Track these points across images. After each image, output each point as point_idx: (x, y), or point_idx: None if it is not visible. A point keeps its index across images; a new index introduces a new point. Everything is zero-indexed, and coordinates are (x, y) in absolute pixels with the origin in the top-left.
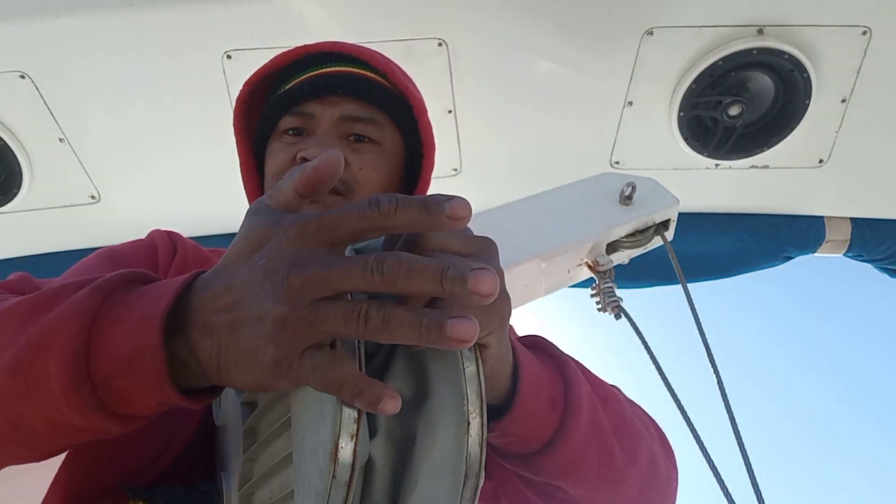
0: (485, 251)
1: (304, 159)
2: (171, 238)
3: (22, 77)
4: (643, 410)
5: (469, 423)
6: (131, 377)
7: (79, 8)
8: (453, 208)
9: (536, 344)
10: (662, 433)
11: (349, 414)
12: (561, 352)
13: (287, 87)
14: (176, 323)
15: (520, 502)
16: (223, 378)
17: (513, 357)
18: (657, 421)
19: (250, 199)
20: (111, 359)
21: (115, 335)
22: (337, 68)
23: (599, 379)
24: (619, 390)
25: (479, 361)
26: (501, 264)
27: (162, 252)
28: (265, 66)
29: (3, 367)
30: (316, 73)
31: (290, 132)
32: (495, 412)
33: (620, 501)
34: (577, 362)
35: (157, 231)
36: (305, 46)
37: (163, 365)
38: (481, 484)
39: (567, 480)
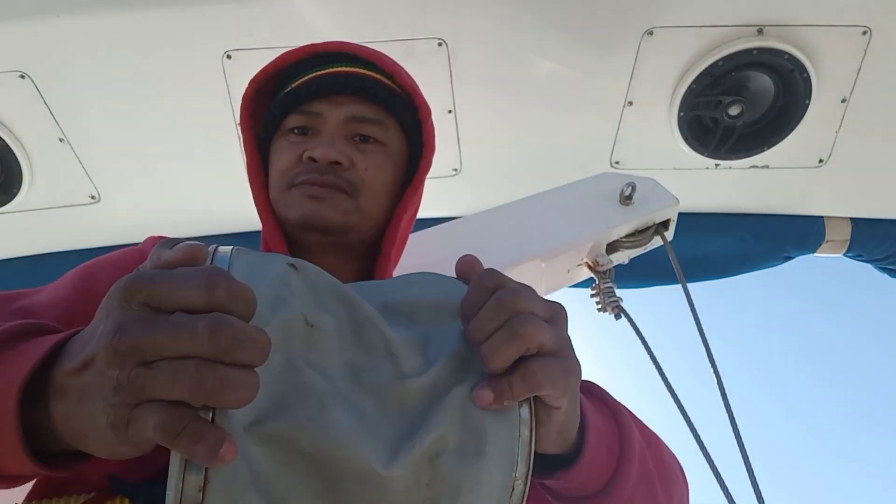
0: (557, 318)
1: (311, 159)
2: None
3: (22, 77)
4: (666, 445)
5: (513, 489)
6: None
7: (79, 8)
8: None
9: (591, 391)
10: (681, 467)
11: (192, 484)
12: (614, 399)
13: (294, 85)
14: (44, 385)
15: None
16: (81, 444)
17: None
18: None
19: (255, 197)
20: None
21: None
22: (344, 68)
23: (643, 423)
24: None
25: (534, 427)
26: (501, 264)
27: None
28: (271, 63)
29: None
30: (323, 72)
31: (296, 131)
32: (563, 462)
33: None
34: (626, 409)
35: (151, 238)
36: (312, 46)
37: (16, 435)
38: None
39: None
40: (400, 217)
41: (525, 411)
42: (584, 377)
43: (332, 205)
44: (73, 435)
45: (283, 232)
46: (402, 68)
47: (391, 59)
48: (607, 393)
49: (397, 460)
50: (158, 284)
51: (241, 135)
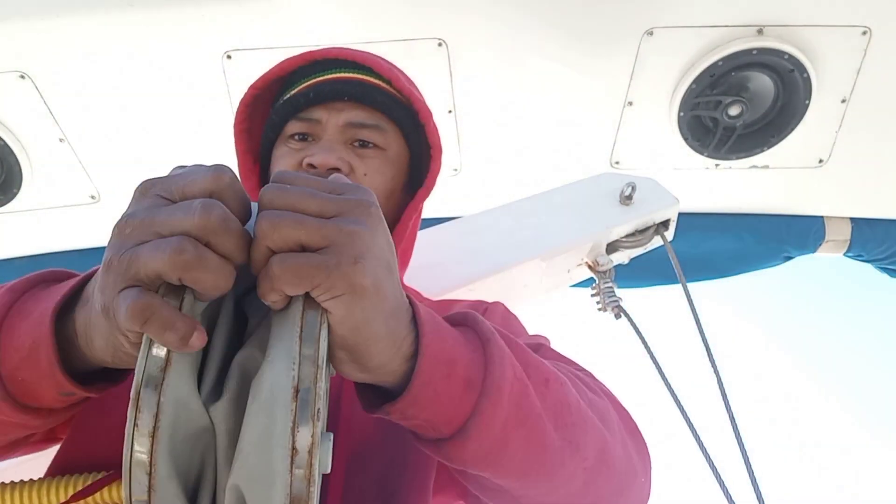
0: (351, 211)
1: (311, 165)
2: None
3: (22, 77)
4: (611, 400)
5: (297, 389)
6: (31, 367)
7: (79, 8)
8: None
9: (465, 320)
10: (633, 424)
11: (155, 357)
12: (490, 328)
13: (293, 92)
14: (76, 306)
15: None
16: (91, 349)
17: (414, 337)
18: (631, 412)
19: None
20: (14, 351)
21: (20, 329)
22: (342, 74)
23: (543, 362)
24: (583, 375)
25: (321, 326)
26: (502, 264)
27: None
28: (271, 70)
29: None
30: (321, 79)
31: (296, 137)
32: (393, 394)
33: (559, 494)
34: (511, 339)
35: None
36: (311, 52)
37: (52, 352)
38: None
39: (487, 470)
40: (409, 217)
41: (312, 314)
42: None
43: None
44: (87, 342)
45: None
46: (401, 73)
47: (389, 64)
48: (486, 322)
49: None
50: (171, 177)
51: (234, 137)
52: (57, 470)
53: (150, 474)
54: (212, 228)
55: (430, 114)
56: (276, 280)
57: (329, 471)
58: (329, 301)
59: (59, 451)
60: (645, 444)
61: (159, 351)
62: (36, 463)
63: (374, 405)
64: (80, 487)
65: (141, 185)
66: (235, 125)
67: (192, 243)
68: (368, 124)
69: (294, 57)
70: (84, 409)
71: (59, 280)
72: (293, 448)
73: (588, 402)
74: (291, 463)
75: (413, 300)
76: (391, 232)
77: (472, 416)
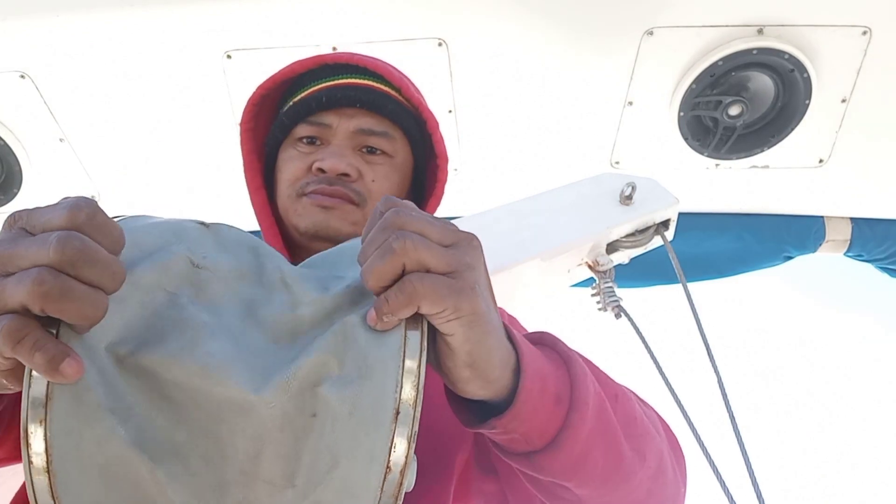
0: (458, 244)
1: (320, 170)
2: None
3: (22, 77)
4: (655, 412)
5: (398, 412)
6: None
7: (79, 8)
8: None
9: (543, 340)
10: (674, 436)
11: (37, 388)
12: (568, 348)
13: (304, 94)
14: None
15: (527, 502)
16: None
17: (514, 352)
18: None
19: (252, 198)
20: None
21: None
22: (353, 80)
23: (609, 377)
24: (630, 390)
25: (424, 349)
26: (502, 264)
27: None
28: (281, 72)
29: None
30: (333, 83)
31: (305, 141)
32: (495, 410)
33: (628, 501)
34: (585, 359)
35: None
36: (322, 56)
37: None
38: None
39: (572, 480)
40: None
41: (414, 334)
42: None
43: (341, 215)
44: None
45: (283, 236)
46: (410, 81)
47: (399, 72)
48: (562, 342)
49: (269, 385)
50: (35, 210)
51: (240, 136)
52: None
53: None
54: (69, 259)
55: (437, 124)
56: (416, 296)
57: (412, 489)
58: (452, 322)
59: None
60: (681, 449)
61: (39, 385)
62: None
63: (473, 423)
64: None
65: (9, 216)
66: (242, 124)
67: (52, 274)
68: (377, 131)
69: (305, 59)
70: None
71: None
72: (387, 466)
73: (644, 414)
74: (384, 480)
75: (506, 323)
76: None
77: (563, 429)
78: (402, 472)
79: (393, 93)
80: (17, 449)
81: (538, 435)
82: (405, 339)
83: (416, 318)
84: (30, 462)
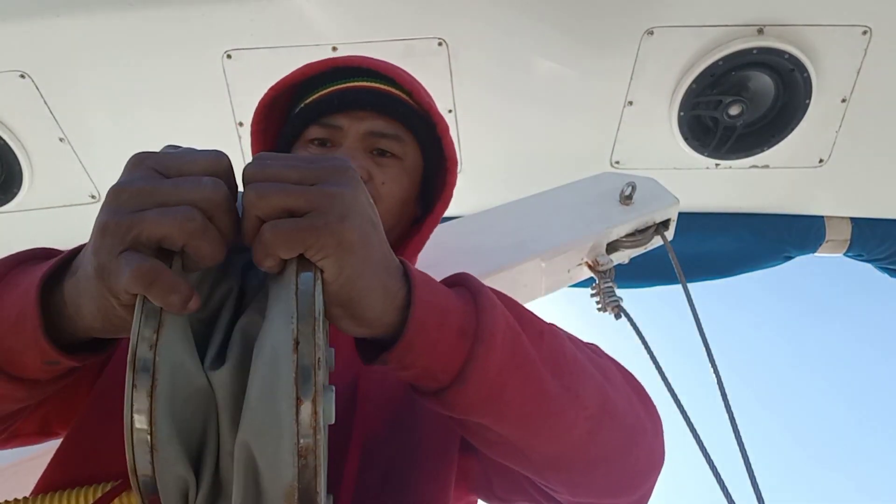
0: (322, 177)
1: None
2: None
3: (22, 77)
4: (612, 362)
5: (298, 342)
6: (16, 336)
7: (79, 8)
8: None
9: (456, 280)
10: (638, 384)
11: (151, 318)
12: (482, 286)
13: (316, 96)
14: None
15: (508, 478)
16: (80, 316)
17: (407, 290)
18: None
19: None
20: (1, 322)
21: (7, 300)
22: (365, 83)
23: (537, 316)
24: (581, 341)
25: (316, 281)
26: (501, 264)
27: None
28: (292, 74)
29: None
30: (344, 86)
31: (316, 142)
32: (389, 344)
33: (564, 443)
34: (504, 295)
35: None
36: (333, 59)
37: (37, 320)
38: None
39: (487, 416)
40: (430, 230)
41: (306, 275)
42: None
43: None
44: (76, 309)
45: None
46: (420, 85)
47: (410, 76)
48: (478, 281)
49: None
50: (167, 154)
51: (249, 137)
52: (57, 471)
53: (151, 434)
54: (216, 204)
55: (447, 127)
56: (270, 245)
57: (333, 421)
58: (321, 260)
59: (59, 452)
60: (652, 403)
61: (153, 313)
62: (33, 465)
63: (372, 358)
64: (91, 500)
65: (134, 156)
66: (253, 125)
67: (200, 214)
68: (388, 134)
69: (316, 62)
70: (87, 411)
71: (49, 257)
72: (297, 398)
73: (587, 358)
74: (297, 412)
75: (404, 259)
76: (406, 241)
77: (468, 362)
78: (315, 401)
79: (403, 96)
80: (40, 426)
81: (441, 370)
82: (296, 280)
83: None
84: (133, 385)
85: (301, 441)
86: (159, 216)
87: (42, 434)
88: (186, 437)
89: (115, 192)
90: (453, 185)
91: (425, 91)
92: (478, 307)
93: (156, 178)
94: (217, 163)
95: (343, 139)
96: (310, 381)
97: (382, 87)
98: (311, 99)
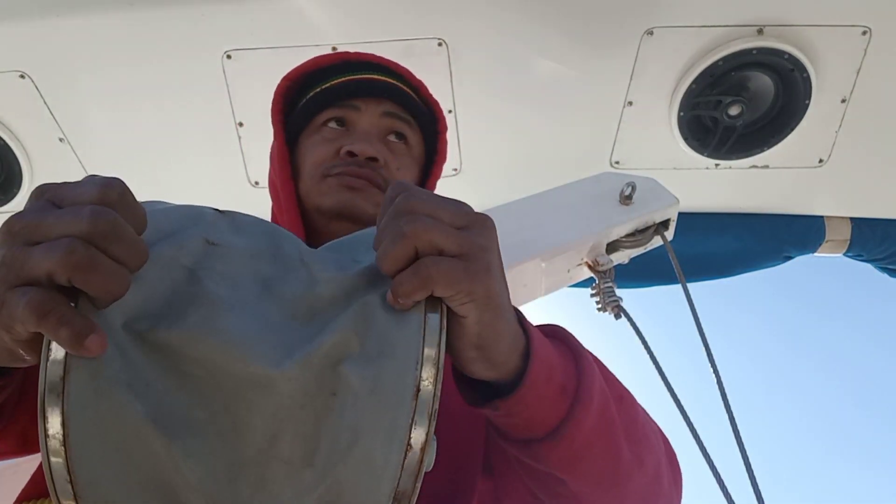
0: (472, 226)
1: (350, 153)
2: None
3: (22, 77)
4: (654, 422)
5: (419, 390)
6: None
7: (79, 8)
8: None
9: (555, 333)
10: (671, 448)
11: (54, 362)
12: (579, 343)
13: (333, 82)
14: None
15: (521, 500)
16: None
17: (525, 340)
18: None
19: (282, 187)
20: None
21: None
22: (377, 76)
23: (616, 378)
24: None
25: (443, 329)
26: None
27: None
28: (305, 64)
29: None
30: (359, 76)
31: (332, 123)
32: (501, 392)
33: (622, 502)
34: (595, 357)
35: None
36: (346, 53)
37: None
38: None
39: (570, 474)
40: None
41: (433, 317)
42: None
43: (367, 196)
44: None
45: (303, 222)
46: (424, 84)
47: (415, 75)
48: (573, 337)
49: (290, 360)
50: (63, 186)
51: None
52: (31, 485)
53: (71, 482)
54: (101, 233)
55: (446, 127)
56: (430, 280)
57: (431, 468)
58: (466, 305)
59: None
60: (679, 468)
61: (58, 355)
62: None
63: (478, 402)
64: None
65: (36, 188)
66: (273, 115)
67: (84, 245)
68: (403, 118)
69: (327, 55)
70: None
71: None
72: (408, 444)
73: (646, 422)
74: (404, 457)
75: (516, 307)
76: None
77: (566, 420)
78: (423, 450)
79: (411, 92)
80: (19, 442)
81: (540, 423)
82: (424, 319)
83: (434, 299)
84: (46, 436)
85: (400, 486)
86: (45, 251)
87: (24, 450)
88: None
89: (8, 223)
90: (437, 177)
91: (428, 90)
92: (578, 367)
93: (47, 209)
94: (105, 191)
95: (359, 119)
96: (423, 429)
97: (393, 80)
98: (326, 85)
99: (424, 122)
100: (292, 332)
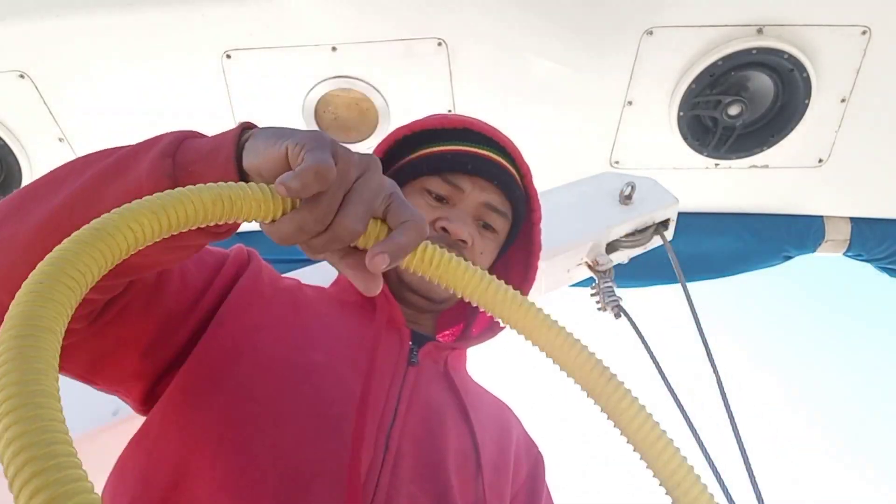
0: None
1: (444, 229)
2: (249, 253)
3: (22, 77)
4: None
5: None
6: (206, 162)
7: (79, 8)
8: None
9: None
10: None
11: None
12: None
13: (442, 149)
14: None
15: None
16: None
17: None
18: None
19: None
20: (194, 152)
21: (199, 142)
22: (491, 154)
23: None
24: None
25: None
26: None
27: (232, 260)
28: (422, 122)
29: (110, 161)
30: (475, 150)
31: (434, 196)
32: None
33: None
34: None
35: (238, 246)
36: (461, 119)
37: (232, 152)
38: None
39: None
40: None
41: None
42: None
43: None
44: (253, 150)
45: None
46: (530, 169)
47: (524, 160)
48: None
49: None
50: (341, 147)
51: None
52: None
53: None
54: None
55: (540, 217)
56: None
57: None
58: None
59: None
60: None
61: None
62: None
63: None
64: None
65: (322, 133)
66: (381, 155)
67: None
68: (500, 210)
69: (448, 116)
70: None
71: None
72: None
73: None
74: None
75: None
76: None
77: None
78: None
79: (518, 178)
80: (93, 365)
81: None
82: None
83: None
84: None
85: None
86: (353, 219)
87: (90, 373)
88: None
89: (327, 157)
90: (535, 270)
91: (532, 178)
92: None
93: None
94: (372, 165)
95: (460, 201)
96: None
97: (504, 162)
98: (439, 149)
99: (521, 211)
100: None
